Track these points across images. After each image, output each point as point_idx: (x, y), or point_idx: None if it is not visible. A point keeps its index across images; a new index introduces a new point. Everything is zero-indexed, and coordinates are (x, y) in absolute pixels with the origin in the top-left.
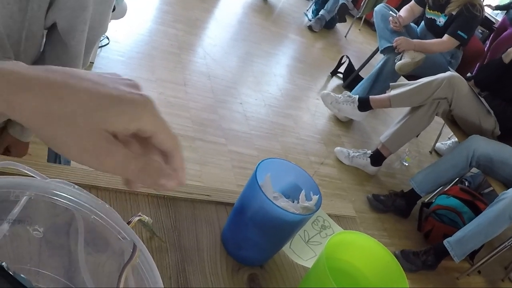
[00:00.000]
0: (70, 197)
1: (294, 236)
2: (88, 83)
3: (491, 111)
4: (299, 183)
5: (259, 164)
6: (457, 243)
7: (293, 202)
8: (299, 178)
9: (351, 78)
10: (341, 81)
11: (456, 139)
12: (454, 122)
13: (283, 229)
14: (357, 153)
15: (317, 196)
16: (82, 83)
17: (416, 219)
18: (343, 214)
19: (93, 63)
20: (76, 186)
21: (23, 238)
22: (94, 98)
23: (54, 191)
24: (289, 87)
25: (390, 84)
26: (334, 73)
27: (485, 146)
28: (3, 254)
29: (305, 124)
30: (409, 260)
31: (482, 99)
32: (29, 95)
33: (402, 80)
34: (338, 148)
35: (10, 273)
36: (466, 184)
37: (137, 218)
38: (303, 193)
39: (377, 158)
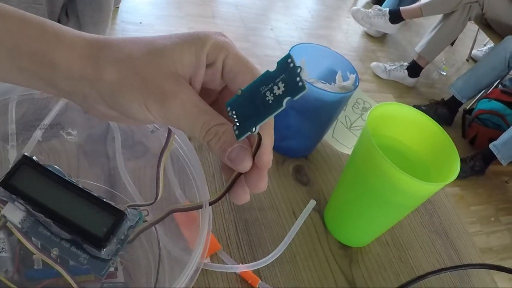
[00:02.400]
0: None
1: (336, 122)
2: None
3: None
4: (334, 67)
5: (291, 48)
6: (503, 145)
7: (331, 84)
8: (333, 60)
9: None
10: None
11: (492, 44)
12: (488, 26)
13: (324, 111)
14: (394, 66)
15: (354, 75)
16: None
17: (460, 126)
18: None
19: (118, 7)
20: None
21: (59, 150)
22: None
23: None
24: (319, 8)
25: None
26: None
27: None
28: None
29: (339, 43)
30: None
31: None
32: None
33: None
34: (374, 63)
35: (40, 164)
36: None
37: None
38: (339, 73)
39: (414, 69)
